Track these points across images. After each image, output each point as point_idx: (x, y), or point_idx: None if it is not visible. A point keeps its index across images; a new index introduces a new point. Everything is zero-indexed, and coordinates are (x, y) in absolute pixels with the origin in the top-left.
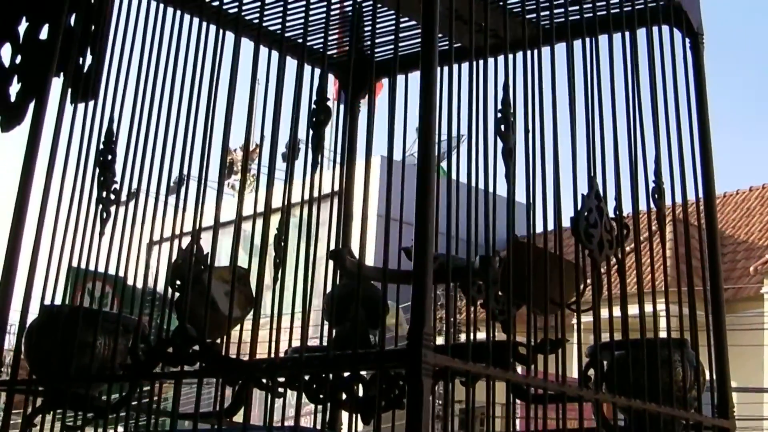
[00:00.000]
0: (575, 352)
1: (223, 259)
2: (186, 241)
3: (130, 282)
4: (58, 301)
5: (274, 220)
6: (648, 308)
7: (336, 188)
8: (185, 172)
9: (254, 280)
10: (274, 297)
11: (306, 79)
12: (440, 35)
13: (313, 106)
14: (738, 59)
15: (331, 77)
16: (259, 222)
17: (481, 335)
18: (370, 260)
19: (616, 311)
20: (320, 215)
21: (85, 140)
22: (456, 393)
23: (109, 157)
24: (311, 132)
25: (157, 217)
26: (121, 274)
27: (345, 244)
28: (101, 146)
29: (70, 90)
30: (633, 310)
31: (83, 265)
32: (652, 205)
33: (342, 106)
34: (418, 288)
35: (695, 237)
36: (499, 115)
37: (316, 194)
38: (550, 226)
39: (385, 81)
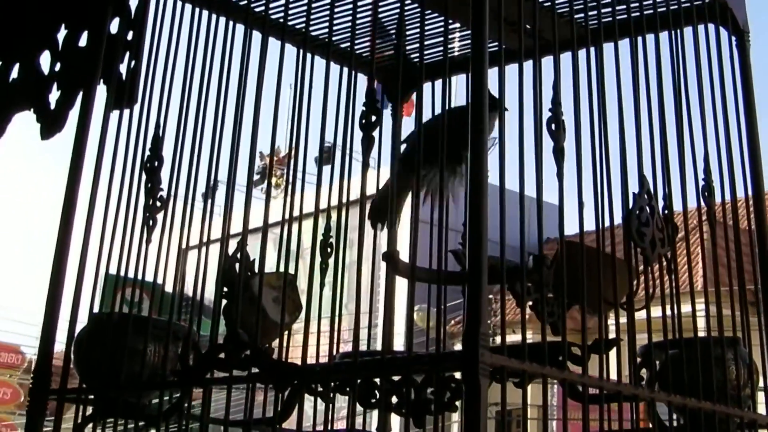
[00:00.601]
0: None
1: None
2: (227, 246)
3: (168, 288)
4: (104, 308)
5: (311, 224)
6: (698, 307)
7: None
8: (225, 176)
9: (301, 284)
10: (322, 301)
11: (334, 79)
12: None
13: (363, 107)
14: None
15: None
16: (303, 225)
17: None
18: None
19: (662, 310)
20: (365, 219)
21: (130, 147)
22: (490, 396)
23: (156, 163)
24: (361, 134)
25: (196, 221)
26: (161, 280)
27: (394, 246)
28: (148, 152)
29: (114, 97)
30: (683, 308)
31: (129, 273)
32: (701, 203)
33: (386, 111)
34: (473, 288)
35: (743, 240)
36: (549, 114)
37: (364, 193)
38: (597, 224)
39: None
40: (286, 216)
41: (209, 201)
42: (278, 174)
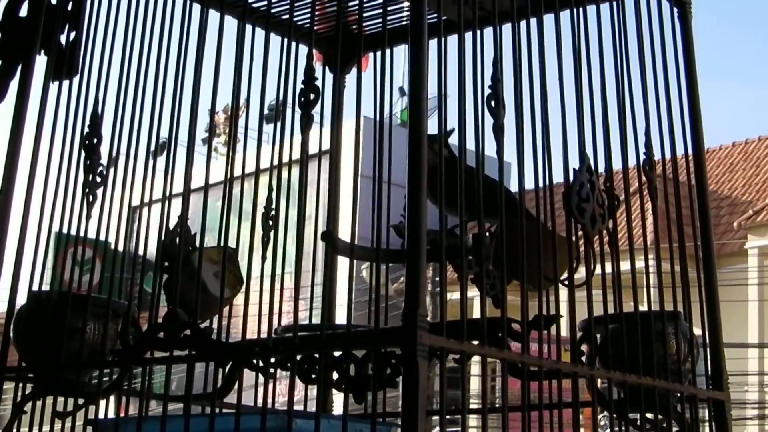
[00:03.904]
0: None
1: (212, 227)
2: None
3: (113, 249)
4: (47, 280)
5: (262, 186)
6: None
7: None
8: (167, 137)
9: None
10: (263, 275)
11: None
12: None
13: (301, 86)
14: (719, 16)
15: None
16: (247, 186)
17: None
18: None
19: (602, 283)
20: (308, 176)
21: (70, 118)
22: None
23: (95, 140)
24: (300, 112)
25: (139, 182)
26: (104, 239)
27: (334, 220)
28: (86, 129)
29: (53, 67)
30: (626, 283)
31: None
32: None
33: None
34: (411, 270)
35: (685, 197)
36: (488, 91)
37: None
38: (542, 198)
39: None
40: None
41: (155, 160)
42: (227, 132)
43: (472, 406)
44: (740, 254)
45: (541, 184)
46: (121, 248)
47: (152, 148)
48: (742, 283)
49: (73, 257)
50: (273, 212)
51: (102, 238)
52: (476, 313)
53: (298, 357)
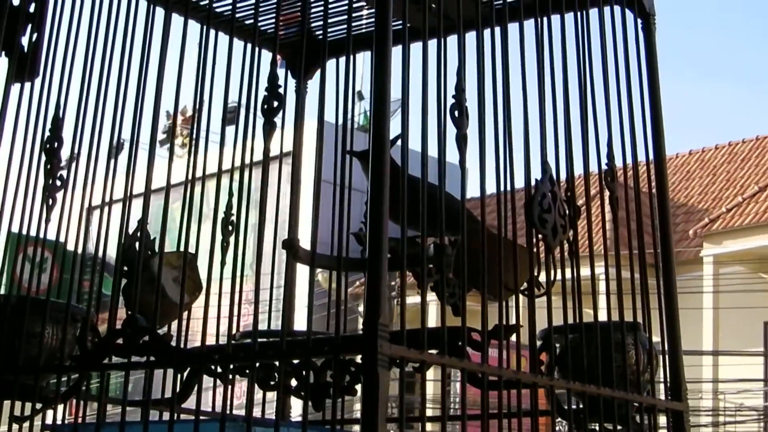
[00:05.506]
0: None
1: (171, 228)
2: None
3: (71, 247)
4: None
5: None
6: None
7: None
8: (127, 138)
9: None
10: (222, 279)
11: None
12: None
13: (264, 92)
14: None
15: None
16: (207, 185)
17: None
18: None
19: (563, 292)
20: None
21: (31, 120)
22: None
23: (56, 144)
24: (263, 120)
25: (100, 181)
26: (63, 241)
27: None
28: (48, 133)
29: (15, 69)
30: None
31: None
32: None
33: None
34: (372, 279)
35: (645, 206)
36: (452, 101)
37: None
38: (498, 210)
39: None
40: (192, 176)
41: (113, 160)
42: (185, 134)
43: (429, 413)
44: (696, 262)
45: (502, 191)
46: (78, 250)
47: (112, 149)
48: (698, 290)
49: (24, 258)
50: (233, 217)
51: (60, 240)
52: (431, 319)
53: (257, 364)
